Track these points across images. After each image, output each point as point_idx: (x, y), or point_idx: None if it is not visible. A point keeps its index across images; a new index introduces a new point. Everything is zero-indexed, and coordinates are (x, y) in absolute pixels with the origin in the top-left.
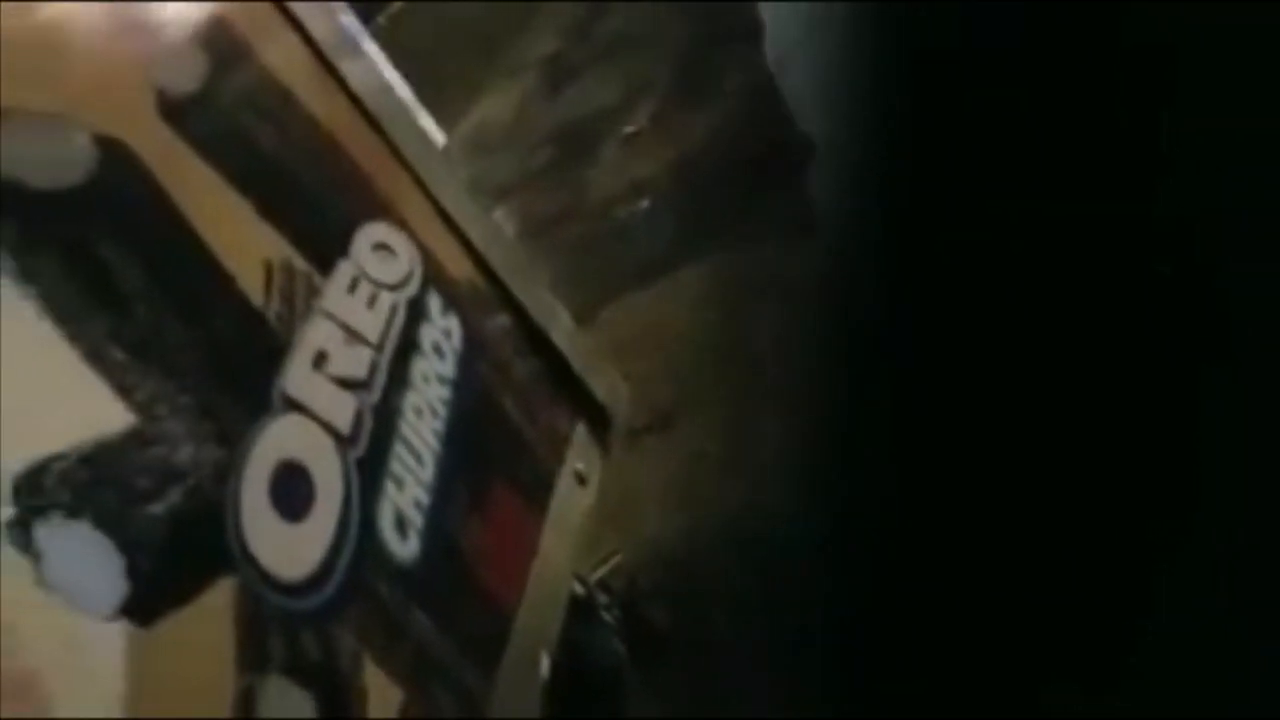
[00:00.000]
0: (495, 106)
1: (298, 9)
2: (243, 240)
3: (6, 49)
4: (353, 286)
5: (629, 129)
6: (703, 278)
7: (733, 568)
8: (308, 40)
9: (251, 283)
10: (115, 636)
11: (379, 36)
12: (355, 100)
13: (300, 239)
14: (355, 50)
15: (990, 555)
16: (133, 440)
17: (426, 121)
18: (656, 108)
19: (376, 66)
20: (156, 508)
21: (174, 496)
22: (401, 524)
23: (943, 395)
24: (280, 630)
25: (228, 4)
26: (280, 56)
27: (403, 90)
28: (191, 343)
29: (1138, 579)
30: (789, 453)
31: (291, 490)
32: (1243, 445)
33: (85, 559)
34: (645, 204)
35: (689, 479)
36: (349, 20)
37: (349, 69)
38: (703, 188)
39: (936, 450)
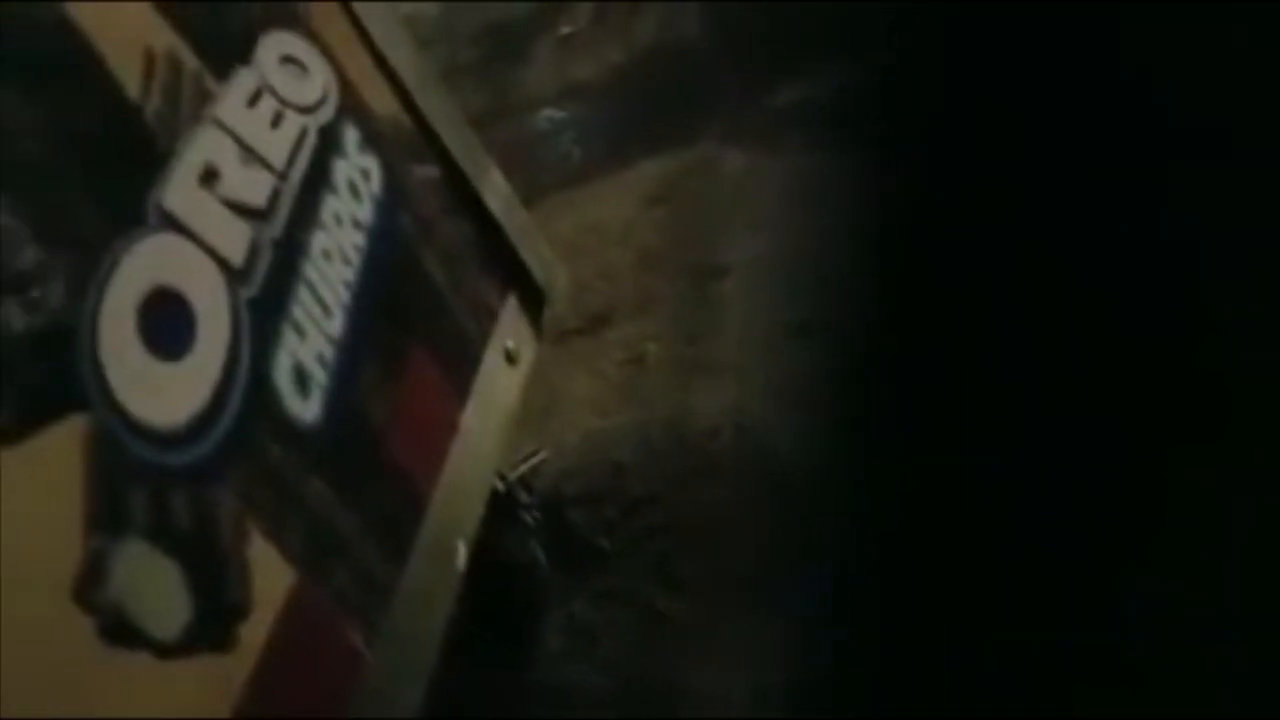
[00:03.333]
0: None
1: None
2: (118, 20)
3: None
4: (254, 99)
5: (566, 29)
6: (648, 179)
7: (669, 476)
8: None
9: (127, 70)
10: None
11: None
12: None
13: (191, 30)
14: None
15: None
16: None
17: None
18: (597, 9)
19: None
20: None
21: (9, 305)
22: (302, 379)
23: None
24: (145, 487)
25: None
26: None
27: None
28: (41, 125)
29: None
30: (738, 358)
31: (166, 323)
32: None
33: None
34: (582, 104)
35: (625, 383)
36: None
37: None
38: (647, 90)
39: (887, 374)
